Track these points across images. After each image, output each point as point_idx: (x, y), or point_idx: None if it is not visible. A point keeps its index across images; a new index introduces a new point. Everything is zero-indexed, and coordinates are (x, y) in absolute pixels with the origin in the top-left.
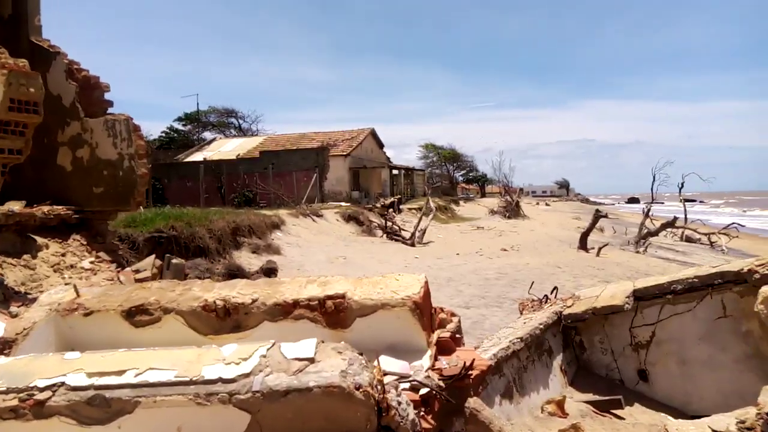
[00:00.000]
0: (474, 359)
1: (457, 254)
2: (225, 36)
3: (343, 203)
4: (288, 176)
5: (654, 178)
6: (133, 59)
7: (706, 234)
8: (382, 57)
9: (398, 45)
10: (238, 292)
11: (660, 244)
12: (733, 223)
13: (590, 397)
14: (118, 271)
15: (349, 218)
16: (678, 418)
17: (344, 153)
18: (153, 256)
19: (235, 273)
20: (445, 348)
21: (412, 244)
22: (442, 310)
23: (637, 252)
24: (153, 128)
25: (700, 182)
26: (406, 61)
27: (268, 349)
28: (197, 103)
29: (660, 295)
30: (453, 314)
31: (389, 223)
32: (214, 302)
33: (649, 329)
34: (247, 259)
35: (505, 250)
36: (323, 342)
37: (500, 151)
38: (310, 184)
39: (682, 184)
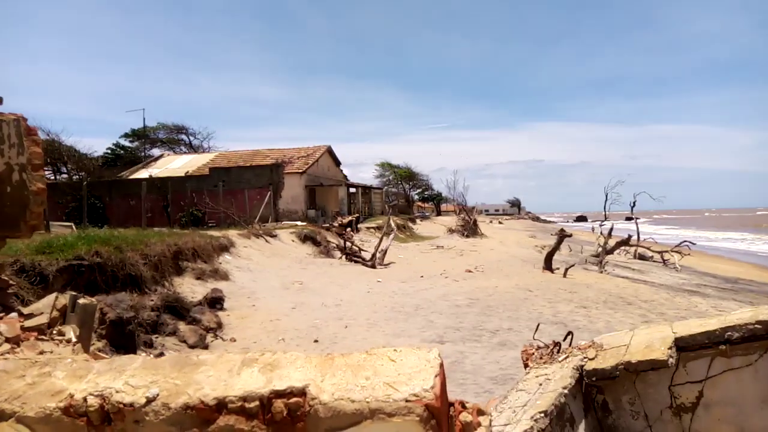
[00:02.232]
0: None
1: (422, 277)
2: (174, 54)
3: (298, 222)
4: (240, 194)
5: (606, 196)
6: (78, 75)
7: (659, 252)
8: (335, 77)
9: (351, 65)
10: (126, 382)
11: (616, 263)
12: (685, 241)
13: None
14: (0, 318)
15: (305, 238)
16: None
17: (300, 170)
18: (55, 294)
19: (173, 305)
20: None
21: (373, 266)
22: (463, 406)
23: (601, 272)
24: (99, 145)
25: (642, 201)
26: (359, 81)
27: None
28: (143, 119)
29: (709, 344)
30: (480, 411)
31: (348, 244)
32: (84, 400)
33: (694, 388)
34: (190, 286)
35: (469, 271)
36: None
37: (455, 171)
38: (263, 202)
39: (634, 203)
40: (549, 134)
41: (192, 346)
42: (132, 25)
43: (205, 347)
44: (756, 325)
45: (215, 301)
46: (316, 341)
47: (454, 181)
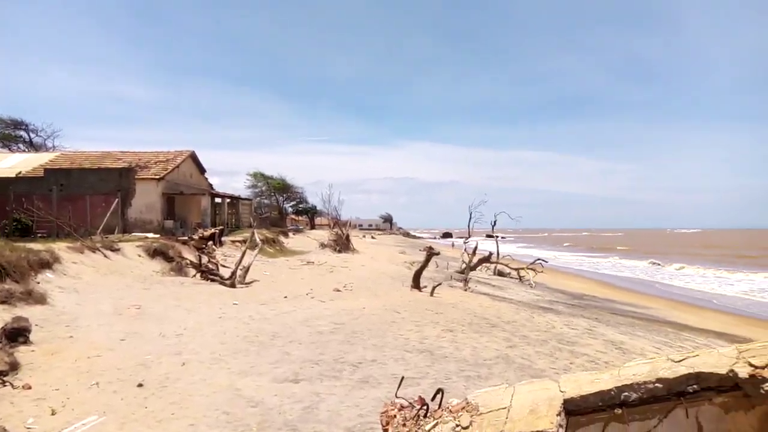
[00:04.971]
0: None
1: (285, 297)
2: (19, 40)
3: (150, 234)
4: (81, 201)
5: (470, 215)
6: None
7: (515, 269)
8: (211, 80)
9: (229, 69)
10: None
11: (478, 279)
12: (538, 259)
13: None
14: None
15: (155, 253)
16: None
17: (157, 176)
18: None
19: None
20: None
21: (233, 285)
22: None
23: (465, 290)
24: None
25: (499, 220)
26: (236, 87)
27: None
28: None
29: (603, 407)
30: None
31: (205, 259)
32: None
33: None
34: None
35: (338, 290)
36: None
37: (329, 184)
38: (109, 210)
39: (495, 222)
40: (422, 153)
41: None
42: None
43: None
44: (656, 384)
45: (17, 333)
46: (140, 385)
47: (329, 194)
